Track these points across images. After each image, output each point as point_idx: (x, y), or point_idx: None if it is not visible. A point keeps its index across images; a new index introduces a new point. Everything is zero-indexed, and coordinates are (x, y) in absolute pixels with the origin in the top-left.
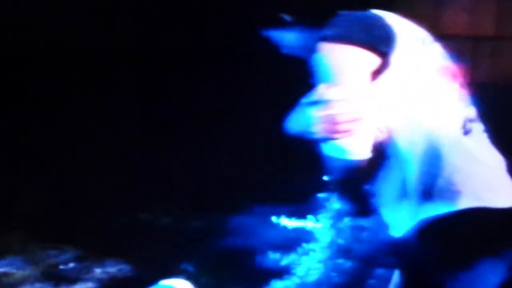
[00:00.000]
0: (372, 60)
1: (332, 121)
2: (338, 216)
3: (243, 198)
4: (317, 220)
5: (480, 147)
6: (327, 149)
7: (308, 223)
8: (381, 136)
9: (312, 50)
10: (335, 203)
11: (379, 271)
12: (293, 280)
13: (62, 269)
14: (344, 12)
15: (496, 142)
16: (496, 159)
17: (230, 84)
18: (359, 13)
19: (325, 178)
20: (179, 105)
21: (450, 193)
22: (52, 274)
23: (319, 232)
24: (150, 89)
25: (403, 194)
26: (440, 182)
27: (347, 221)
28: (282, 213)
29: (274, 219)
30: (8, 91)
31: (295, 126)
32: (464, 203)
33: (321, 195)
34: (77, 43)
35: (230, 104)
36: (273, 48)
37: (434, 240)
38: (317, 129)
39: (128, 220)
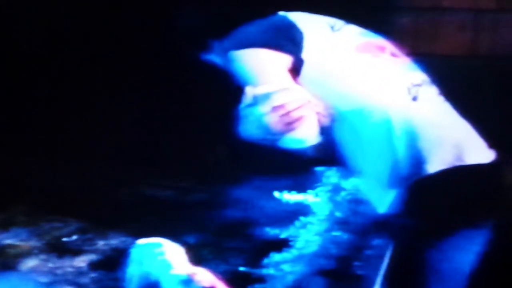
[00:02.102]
0: (284, 59)
1: (283, 111)
2: (336, 189)
3: (243, 172)
4: (315, 194)
5: (435, 110)
6: (284, 143)
7: (306, 196)
8: (325, 120)
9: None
10: (333, 177)
11: (376, 242)
12: (292, 252)
13: (65, 241)
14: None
15: (493, 112)
16: (458, 120)
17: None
18: (261, 20)
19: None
20: (177, 83)
21: (417, 161)
22: (55, 246)
23: (316, 205)
24: (151, 67)
25: (373, 171)
26: (403, 152)
27: (344, 194)
28: (281, 187)
29: (273, 192)
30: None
31: (250, 132)
32: (432, 169)
33: (318, 168)
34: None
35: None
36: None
37: (412, 208)
38: (273, 124)
39: (131, 193)
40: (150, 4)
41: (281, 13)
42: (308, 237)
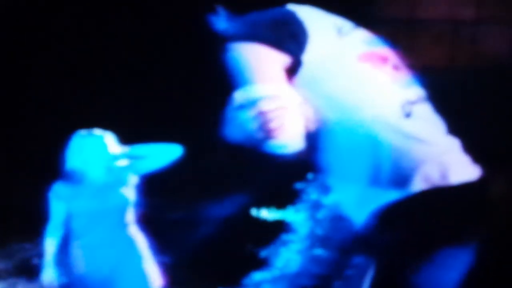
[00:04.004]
0: (282, 58)
1: (264, 121)
2: (316, 206)
3: (222, 190)
4: (296, 211)
5: (426, 128)
6: (267, 148)
7: (287, 214)
8: (311, 125)
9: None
10: (313, 194)
11: (357, 261)
12: (272, 272)
13: (35, 263)
14: (255, 11)
15: (473, 123)
16: (446, 138)
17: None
18: (270, 11)
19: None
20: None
21: (400, 178)
22: (25, 268)
23: (297, 223)
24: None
25: (352, 181)
26: (387, 168)
27: (324, 211)
28: (260, 204)
29: (253, 210)
30: None
31: (234, 134)
32: (416, 186)
33: (299, 185)
34: None
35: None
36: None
37: (393, 227)
38: (256, 130)
39: None
40: None
41: (291, 7)
42: (289, 256)
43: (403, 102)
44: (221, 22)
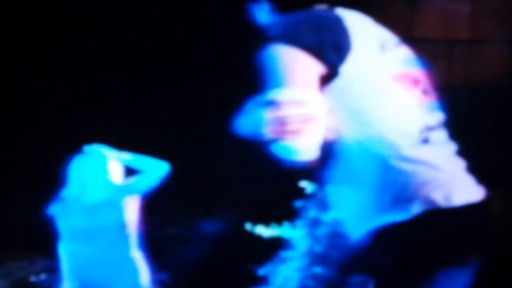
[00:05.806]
0: (319, 67)
1: (281, 123)
2: (315, 223)
3: (220, 207)
4: (294, 228)
5: (439, 155)
6: (276, 150)
7: (285, 231)
8: (330, 136)
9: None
10: (312, 211)
11: (356, 279)
12: None
13: (33, 281)
14: (301, 11)
15: (469, 143)
16: (455, 164)
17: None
18: (315, 13)
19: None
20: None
21: (403, 199)
22: (23, 286)
23: (296, 240)
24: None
25: (355, 198)
26: (392, 189)
27: (324, 228)
28: (259, 222)
29: (250, 227)
30: None
31: (244, 128)
32: (417, 208)
33: (297, 203)
34: None
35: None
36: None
37: (393, 247)
38: (266, 131)
39: None
40: None
41: (339, 12)
42: (287, 273)
43: (423, 128)
44: (263, 15)
